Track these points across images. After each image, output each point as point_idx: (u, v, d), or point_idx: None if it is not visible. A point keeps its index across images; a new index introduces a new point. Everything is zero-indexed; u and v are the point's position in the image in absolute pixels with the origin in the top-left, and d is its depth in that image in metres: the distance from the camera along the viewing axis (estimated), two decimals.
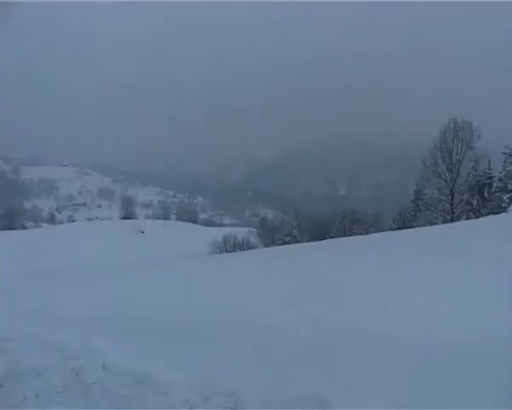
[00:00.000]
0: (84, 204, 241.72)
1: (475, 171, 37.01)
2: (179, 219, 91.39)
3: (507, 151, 37.56)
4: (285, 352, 6.13)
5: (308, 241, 40.42)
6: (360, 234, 38.30)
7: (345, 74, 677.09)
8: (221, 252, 39.03)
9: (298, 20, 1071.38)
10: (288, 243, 44.22)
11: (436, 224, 33.73)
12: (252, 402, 4.76)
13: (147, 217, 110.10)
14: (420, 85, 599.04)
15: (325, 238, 35.69)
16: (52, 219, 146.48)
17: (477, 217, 32.36)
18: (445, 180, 35.83)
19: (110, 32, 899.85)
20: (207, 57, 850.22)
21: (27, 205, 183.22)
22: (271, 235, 52.96)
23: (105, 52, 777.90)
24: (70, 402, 5.12)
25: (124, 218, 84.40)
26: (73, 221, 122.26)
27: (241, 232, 47.98)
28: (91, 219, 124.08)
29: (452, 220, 33.97)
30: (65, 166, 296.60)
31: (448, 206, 36.09)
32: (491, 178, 38.60)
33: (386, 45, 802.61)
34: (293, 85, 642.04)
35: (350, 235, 42.64)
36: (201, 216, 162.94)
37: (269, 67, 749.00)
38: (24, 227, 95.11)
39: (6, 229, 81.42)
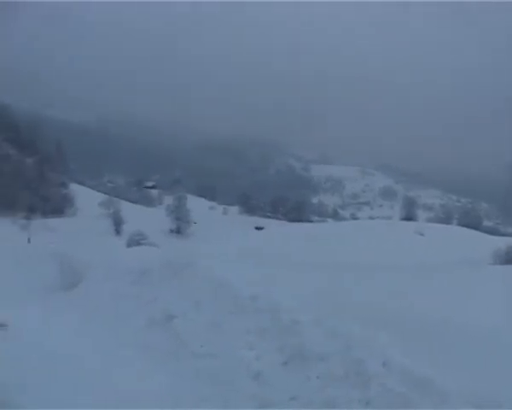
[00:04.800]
0: (366, 203, 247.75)
1: None
2: (461, 224, 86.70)
3: None
4: None
5: None
6: None
7: None
8: (501, 263, 35.90)
9: None
10: None
11: None
12: None
13: (428, 220, 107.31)
14: None
15: None
16: (335, 215, 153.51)
17: None
18: None
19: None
20: None
21: (314, 200, 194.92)
22: None
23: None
24: (348, 391, 5.34)
25: (404, 219, 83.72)
26: (356, 219, 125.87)
27: None
28: (372, 218, 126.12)
29: None
30: (351, 166, 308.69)
31: None
32: None
33: None
34: None
35: None
36: (485, 223, 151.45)
37: None
38: (310, 220, 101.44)
39: (295, 221, 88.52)
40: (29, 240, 43.66)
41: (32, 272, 14.07)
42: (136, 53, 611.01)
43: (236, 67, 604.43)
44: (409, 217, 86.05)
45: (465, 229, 70.99)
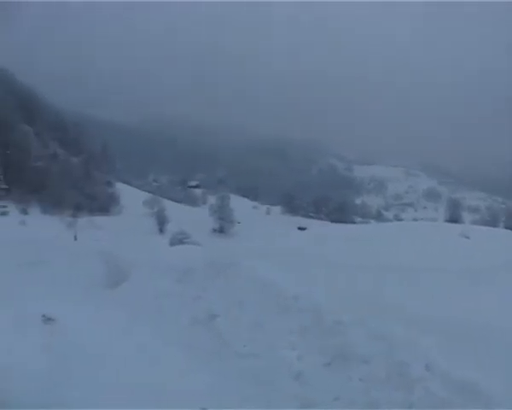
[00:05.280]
0: (410, 204, 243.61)
1: None
2: (507, 227, 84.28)
3: None
4: None
5: None
6: None
7: None
8: None
9: None
10: None
11: None
12: None
13: (473, 222, 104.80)
14: None
15: None
16: (379, 217, 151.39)
17: None
18: None
19: None
20: None
21: (358, 201, 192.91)
22: None
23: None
24: (390, 393, 5.31)
25: (449, 221, 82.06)
26: (400, 220, 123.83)
27: None
28: (416, 220, 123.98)
29: None
30: (395, 166, 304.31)
31: None
32: None
33: None
34: None
35: None
36: None
37: None
38: (353, 222, 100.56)
39: (337, 221, 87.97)
40: (75, 237, 44.73)
41: (78, 268, 14.36)
42: (178, 53, 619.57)
43: (275, 67, 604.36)
44: (454, 219, 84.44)
45: (510, 231, 68.92)
